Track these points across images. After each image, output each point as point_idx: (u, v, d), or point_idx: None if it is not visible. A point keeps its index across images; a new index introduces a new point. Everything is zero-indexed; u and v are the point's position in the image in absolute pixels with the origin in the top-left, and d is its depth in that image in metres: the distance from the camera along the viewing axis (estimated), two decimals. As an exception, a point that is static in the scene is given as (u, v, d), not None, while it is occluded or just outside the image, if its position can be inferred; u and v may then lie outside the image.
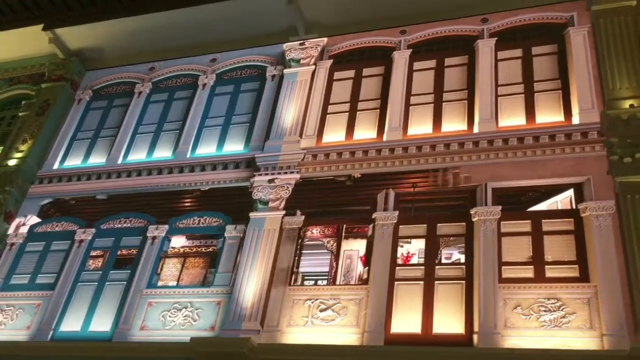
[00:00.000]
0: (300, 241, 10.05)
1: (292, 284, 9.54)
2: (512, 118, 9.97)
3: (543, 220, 9.07)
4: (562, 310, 7.93)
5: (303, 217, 10.03)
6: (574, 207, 9.08)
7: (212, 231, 10.90)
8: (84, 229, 11.28)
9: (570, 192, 9.93)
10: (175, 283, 12.95)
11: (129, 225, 11.20)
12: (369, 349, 8.41)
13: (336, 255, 12.25)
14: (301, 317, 9.02)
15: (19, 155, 12.40)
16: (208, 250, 13.19)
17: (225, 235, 10.26)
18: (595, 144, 9.11)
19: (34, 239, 11.56)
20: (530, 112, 9.95)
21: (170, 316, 9.75)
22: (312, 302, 9.10)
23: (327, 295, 9.19)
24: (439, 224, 9.79)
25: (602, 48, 9.86)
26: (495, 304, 8.18)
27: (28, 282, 10.97)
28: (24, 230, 11.82)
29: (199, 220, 10.79)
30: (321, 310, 8.97)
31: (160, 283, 10.98)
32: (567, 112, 9.69)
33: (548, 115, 9.81)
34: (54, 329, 10.16)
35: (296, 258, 9.89)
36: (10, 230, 11.74)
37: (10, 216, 11.70)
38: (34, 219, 12.14)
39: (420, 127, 10.45)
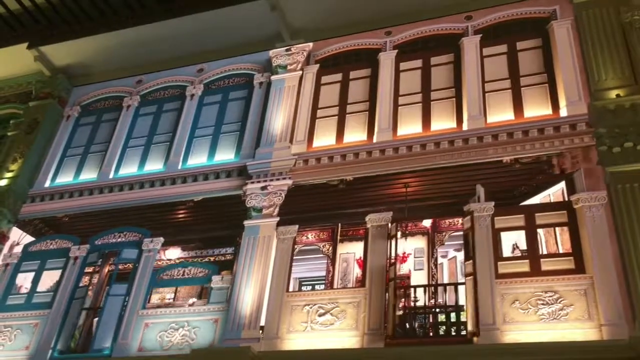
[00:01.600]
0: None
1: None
2: (501, 113, 10.01)
3: (536, 214, 9.07)
4: (559, 302, 7.96)
5: (297, 226, 10.00)
6: (566, 199, 9.11)
7: (198, 282, 10.72)
8: (78, 245, 11.19)
9: (562, 185, 9.98)
10: (172, 296, 12.94)
11: (123, 239, 11.11)
12: (369, 351, 8.40)
13: (332, 259, 12.27)
14: (300, 322, 9.01)
15: (10, 175, 12.33)
16: (204, 261, 13.20)
17: (212, 285, 10.01)
18: (584, 136, 9.14)
19: (28, 258, 11.47)
20: (518, 106, 9.99)
21: (167, 336, 9.71)
22: (311, 307, 9.08)
23: (325, 299, 9.17)
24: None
25: (586, 40, 9.91)
26: (493, 299, 8.20)
27: (24, 302, 10.89)
28: (18, 249, 11.76)
29: (184, 272, 10.55)
30: (320, 315, 8.96)
31: (157, 297, 10.95)
32: (555, 105, 9.74)
33: (536, 109, 9.86)
34: (53, 348, 10.08)
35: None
36: (5, 251, 11.67)
37: (3, 236, 11.64)
38: (28, 238, 12.12)
39: (410, 127, 10.47)
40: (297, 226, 9.97)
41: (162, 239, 10.82)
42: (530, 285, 8.25)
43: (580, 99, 9.47)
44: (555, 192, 10.55)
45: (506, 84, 10.31)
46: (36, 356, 10.03)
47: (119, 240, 11.08)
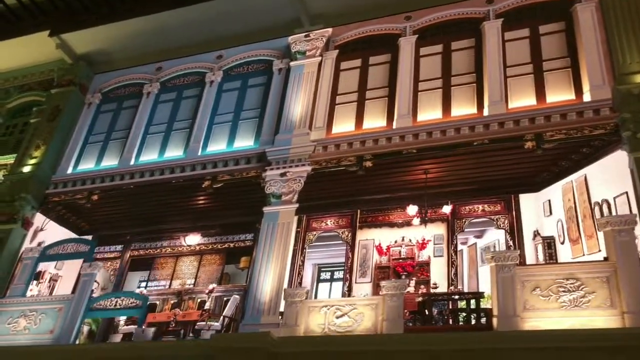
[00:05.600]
0: None
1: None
2: (522, 99, 9.84)
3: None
4: (581, 289, 7.81)
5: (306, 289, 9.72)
6: (588, 188, 8.97)
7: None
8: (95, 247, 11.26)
9: (584, 171, 9.85)
10: (192, 281, 13.08)
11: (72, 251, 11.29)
12: (388, 337, 8.39)
13: (351, 245, 12.28)
14: (317, 324, 8.90)
15: (33, 161, 12.49)
16: (224, 247, 13.29)
17: None
18: (607, 121, 8.97)
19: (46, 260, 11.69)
20: (540, 91, 9.81)
21: None
22: (328, 309, 9.00)
23: (342, 303, 9.09)
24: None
25: (611, 23, 9.68)
26: (514, 286, 8.09)
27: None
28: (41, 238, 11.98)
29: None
30: (337, 317, 8.87)
31: (178, 282, 11.06)
32: (578, 90, 9.54)
33: (559, 94, 9.66)
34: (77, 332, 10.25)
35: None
36: (29, 235, 11.89)
37: (27, 222, 11.81)
38: (51, 224, 12.35)
39: (430, 112, 10.36)
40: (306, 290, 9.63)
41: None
42: (551, 272, 8.14)
43: (604, 83, 9.25)
44: (578, 179, 10.43)
45: (528, 69, 10.12)
46: (60, 339, 10.19)
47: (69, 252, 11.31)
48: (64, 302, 10.62)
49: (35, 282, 11.99)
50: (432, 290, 11.60)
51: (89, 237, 13.71)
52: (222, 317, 11.23)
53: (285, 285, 9.39)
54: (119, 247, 13.84)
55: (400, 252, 13.26)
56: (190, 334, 11.24)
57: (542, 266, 8.27)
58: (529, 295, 8.01)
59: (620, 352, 7.16)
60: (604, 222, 8.09)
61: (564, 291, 7.87)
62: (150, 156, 12.10)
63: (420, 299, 10.16)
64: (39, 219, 12.23)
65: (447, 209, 11.86)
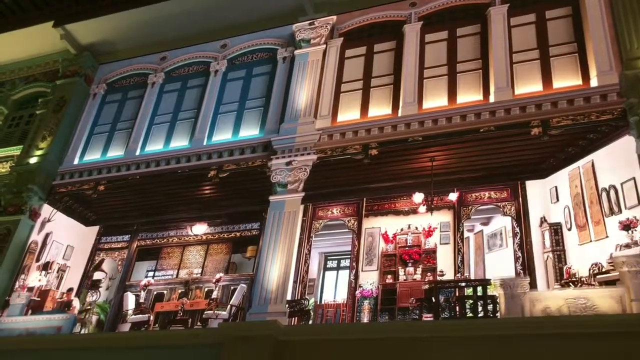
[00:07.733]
0: None
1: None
2: (529, 85, 9.76)
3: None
4: (593, 310, 7.59)
5: None
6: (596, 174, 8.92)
7: None
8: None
9: (591, 157, 9.79)
10: (200, 270, 13.14)
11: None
12: (392, 325, 8.42)
13: (358, 233, 12.29)
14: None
15: (40, 152, 12.53)
16: (231, 236, 13.33)
17: None
18: (615, 106, 8.89)
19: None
20: (547, 77, 9.73)
21: None
22: None
23: None
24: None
25: (618, 7, 9.56)
26: (523, 309, 7.94)
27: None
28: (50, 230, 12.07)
29: None
30: None
31: (185, 272, 11.10)
32: (585, 76, 9.45)
33: (565, 79, 9.58)
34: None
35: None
36: (37, 226, 11.96)
37: (34, 213, 11.88)
38: (59, 215, 12.41)
39: (436, 100, 10.30)
40: None
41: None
42: (562, 292, 7.97)
43: (611, 68, 9.16)
44: (585, 165, 10.39)
45: (534, 55, 10.04)
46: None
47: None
48: (63, 321, 10.53)
49: (44, 272, 12.05)
50: (438, 278, 11.60)
51: (96, 227, 13.89)
52: (229, 306, 11.28)
53: (292, 274, 9.40)
54: (126, 237, 13.90)
55: (406, 239, 13.25)
56: (198, 323, 11.35)
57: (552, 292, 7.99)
58: (539, 315, 7.84)
59: (627, 338, 7.11)
60: (620, 262, 7.69)
61: (575, 311, 7.61)
62: (155, 146, 12.11)
63: (427, 286, 10.17)
64: (46, 209, 12.28)
65: (453, 197, 11.84)
